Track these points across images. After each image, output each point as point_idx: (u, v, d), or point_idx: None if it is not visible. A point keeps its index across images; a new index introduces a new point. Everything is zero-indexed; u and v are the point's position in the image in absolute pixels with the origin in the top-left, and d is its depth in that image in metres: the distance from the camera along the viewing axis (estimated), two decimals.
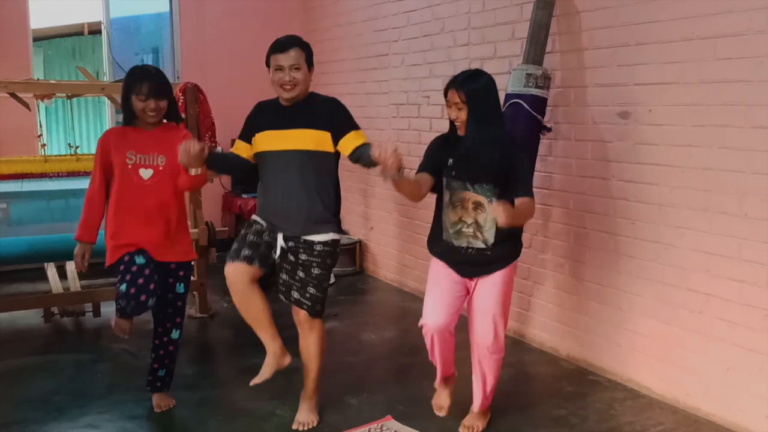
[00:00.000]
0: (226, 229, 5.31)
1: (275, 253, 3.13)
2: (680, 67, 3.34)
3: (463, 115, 2.90)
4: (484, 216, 2.93)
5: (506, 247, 3.00)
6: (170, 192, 3.21)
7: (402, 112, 5.46)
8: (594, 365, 3.91)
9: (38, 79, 5.80)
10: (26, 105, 4.91)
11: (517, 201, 2.86)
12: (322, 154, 3.08)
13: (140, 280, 3.04)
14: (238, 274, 3.08)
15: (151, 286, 3.06)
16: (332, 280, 5.74)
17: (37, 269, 5.49)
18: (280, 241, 3.11)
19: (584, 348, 3.97)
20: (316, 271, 3.10)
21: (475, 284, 3.04)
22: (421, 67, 5.22)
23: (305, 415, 3.31)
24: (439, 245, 3.08)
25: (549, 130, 3.93)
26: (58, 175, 5.10)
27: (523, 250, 3.14)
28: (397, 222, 5.70)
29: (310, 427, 3.27)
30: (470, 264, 3.01)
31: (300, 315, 3.19)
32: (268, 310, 3.17)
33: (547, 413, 3.42)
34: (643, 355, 3.64)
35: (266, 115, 3.15)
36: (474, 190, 2.93)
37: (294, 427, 3.26)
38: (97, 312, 4.67)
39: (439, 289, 3.05)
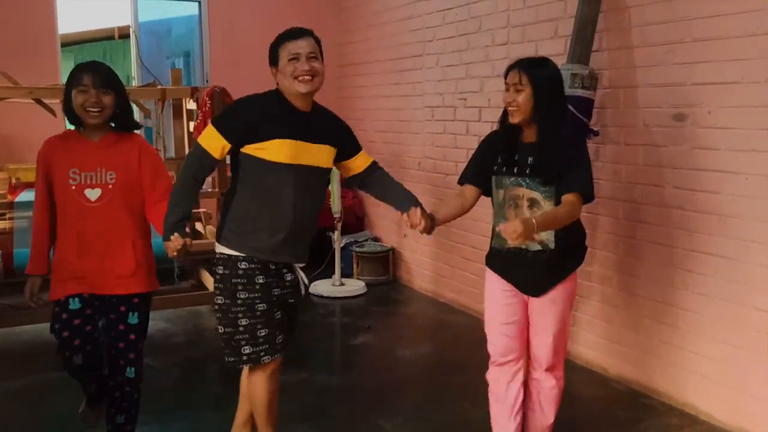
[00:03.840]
0: None
1: (301, 301, 2.80)
2: (744, 65, 3.06)
3: (520, 98, 2.55)
4: (541, 214, 2.56)
5: (567, 252, 2.65)
6: (122, 213, 2.71)
7: (437, 114, 5.23)
8: (647, 387, 3.63)
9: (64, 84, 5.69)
10: (52, 111, 4.80)
11: (563, 199, 2.54)
12: (327, 172, 2.74)
13: (76, 321, 2.66)
14: (276, 371, 2.67)
15: (88, 327, 2.69)
16: (363, 290, 5.55)
17: None
18: (304, 279, 2.76)
19: (636, 368, 3.69)
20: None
21: (532, 300, 2.73)
22: (457, 67, 4.98)
23: None
24: (492, 254, 2.79)
25: (596, 133, 3.68)
26: None
27: None
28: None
29: None
30: (525, 273, 2.67)
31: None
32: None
33: None
34: (702, 377, 3.35)
35: (280, 120, 2.58)
36: (528, 186, 2.60)
37: None
38: None
39: (494, 308, 2.80)
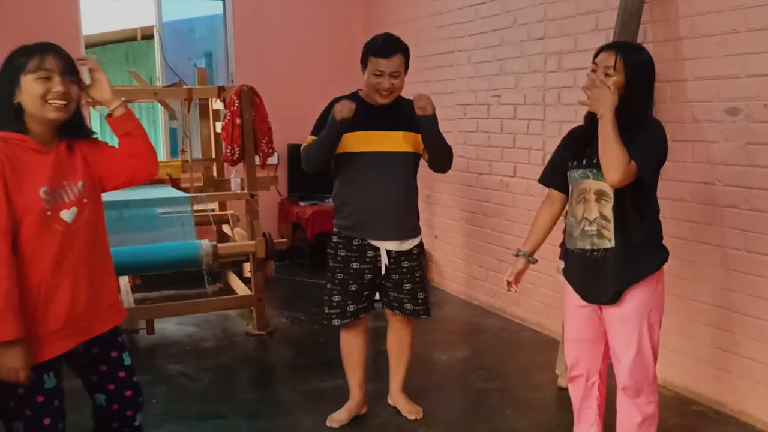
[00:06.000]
0: (285, 240, 5.02)
1: (378, 277, 3.14)
2: None
3: (609, 82, 2.34)
4: (610, 207, 2.38)
5: (635, 251, 2.39)
6: (100, 226, 2.20)
7: (469, 112, 5.09)
8: (699, 394, 3.48)
9: None
10: None
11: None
12: (415, 156, 3.10)
13: (56, 402, 2.15)
14: (351, 332, 3.22)
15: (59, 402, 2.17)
16: None
17: None
18: (384, 260, 3.09)
19: (686, 374, 3.54)
20: (418, 274, 3.18)
21: (605, 311, 2.50)
22: (491, 64, 4.84)
23: (411, 405, 3.35)
24: (567, 261, 2.59)
25: None
26: None
27: None
28: (464, 230, 5.33)
29: (422, 414, 3.31)
30: (592, 278, 2.44)
31: (402, 315, 3.23)
32: (366, 359, 3.30)
33: None
34: (759, 384, 3.19)
35: (356, 114, 2.91)
36: (595, 177, 2.39)
37: (411, 418, 3.29)
38: (151, 329, 4.43)
39: (571, 322, 2.62)
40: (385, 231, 3.07)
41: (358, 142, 3.00)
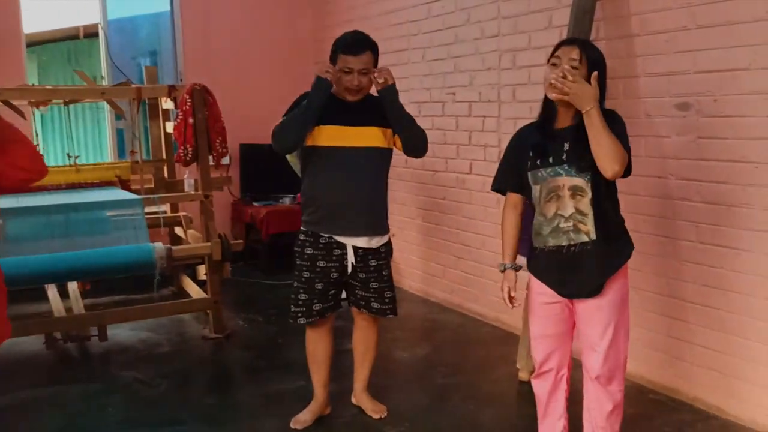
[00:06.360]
0: (241, 241, 4.93)
1: (345, 276, 3.12)
2: (752, 50, 2.99)
3: (575, 74, 2.35)
4: (586, 201, 2.41)
5: (611, 243, 2.45)
6: None
7: (424, 110, 5.10)
8: (655, 383, 3.56)
9: (33, 85, 5.44)
10: (21, 113, 4.55)
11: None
12: (386, 152, 3.10)
13: None
14: (317, 331, 3.20)
15: None
16: None
17: (35, 288, 5.12)
18: (351, 258, 3.06)
19: (642, 364, 3.61)
20: (385, 273, 3.17)
21: (579, 303, 2.53)
22: (445, 61, 4.86)
23: (375, 404, 3.34)
24: (536, 259, 2.58)
25: None
26: (57, 188, 4.78)
27: None
28: (421, 228, 5.34)
29: (386, 413, 3.31)
30: (569, 273, 2.47)
31: (369, 314, 3.22)
32: (331, 359, 3.27)
33: None
34: (713, 371, 3.28)
35: (326, 109, 2.95)
36: (567, 173, 2.41)
37: (375, 416, 3.29)
38: (103, 336, 4.29)
39: (538, 320, 2.62)
40: (353, 227, 3.04)
41: (328, 136, 2.98)
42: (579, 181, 2.41)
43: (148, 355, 4.27)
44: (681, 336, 3.42)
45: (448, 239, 5.02)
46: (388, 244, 3.20)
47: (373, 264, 3.12)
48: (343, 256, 3.07)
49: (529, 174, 2.51)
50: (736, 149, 3.10)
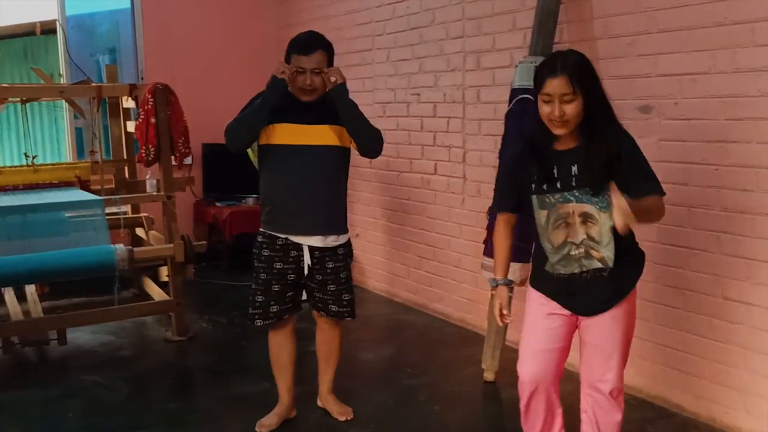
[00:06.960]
0: (204, 242, 4.86)
1: (302, 278, 3.11)
2: (712, 55, 3.06)
3: (569, 108, 2.25)
4: (598, 228, 2.30)
5: (628, 264, 2.39)
6: None
7: (389, 111, 5.10)
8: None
9: None
10: None
11: (646, 200, 2.28)
12: (343, 150, 3.07)
13: None
14: (279, 334, 3.19)
15: None
16: None
17: None
18: (307, 259, 3.04)
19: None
20: (343, 275, 3.14)
21: (587, 320, 2.45)
22: (410, 62, 4.87)
23: (340, 406, 3.33)
24: (542, 280, 2.47)
25: None
26: (15, 189, 4.66)
27: None
28: (385, 228, 5.34)
29: (352, 415, 3.30)
30: (582, 296, 2.39)
31: (327, 317, 3.20)
32: (295, 362, 3.26)
33: None
34: (672, 369, 3.35)
35: (284, 107, 2.95)
36: (578, 200, 2.31)
37: (341, 419, 3.28)
38: (62, 340, 4.20)
39: (534, 332, 2.51)
40: (307, 226, 3.01)
41: (283, 134, 2.97)
42: (590, 208, 2.31)
43: (109, 358, 4.19)
44: (642, 335, 3.47)
45: (413, 239, 5.03)
46: (347, 246, 3.18)
47: (330, 266, 3.09)
48: (300, 257, 3.05)
49: (534, 198, 2.39)
50: (696, 152, 3.16)
